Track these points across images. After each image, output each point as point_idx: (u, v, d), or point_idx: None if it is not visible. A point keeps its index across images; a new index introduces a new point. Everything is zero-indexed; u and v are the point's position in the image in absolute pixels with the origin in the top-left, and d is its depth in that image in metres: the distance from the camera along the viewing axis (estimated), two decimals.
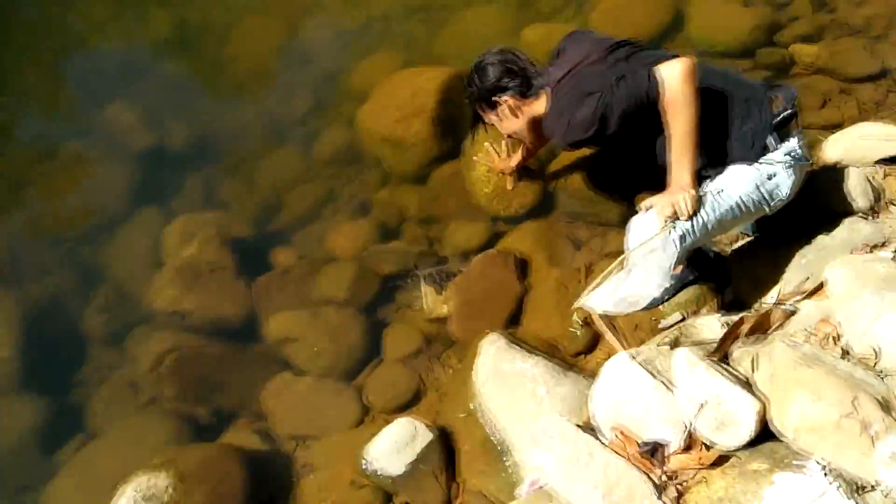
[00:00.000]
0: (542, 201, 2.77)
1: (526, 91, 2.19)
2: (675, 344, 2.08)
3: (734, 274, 2.35)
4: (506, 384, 2.05)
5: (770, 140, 1.99)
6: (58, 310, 2.78)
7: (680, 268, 2.28)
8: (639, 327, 2.36)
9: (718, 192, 2.00)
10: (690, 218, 1.96)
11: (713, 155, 2.02)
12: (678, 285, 2.30)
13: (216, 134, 3.40)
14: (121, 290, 2.80)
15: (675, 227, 1.97)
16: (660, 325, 2.31)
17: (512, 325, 2.46)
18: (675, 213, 1.96)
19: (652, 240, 2.00)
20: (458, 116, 2.95)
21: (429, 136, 2.93)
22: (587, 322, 2.36)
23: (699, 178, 2.00)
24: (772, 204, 2.05)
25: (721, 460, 1.62)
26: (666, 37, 3.30)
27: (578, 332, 2.31)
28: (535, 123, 2.27)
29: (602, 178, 2.69)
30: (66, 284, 2.87)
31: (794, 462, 1.55)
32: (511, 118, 2.25)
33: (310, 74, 3.65)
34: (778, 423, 1.59)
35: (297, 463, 2.21)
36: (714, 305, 2.32)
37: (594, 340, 2.34)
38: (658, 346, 1.93)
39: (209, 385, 2.38)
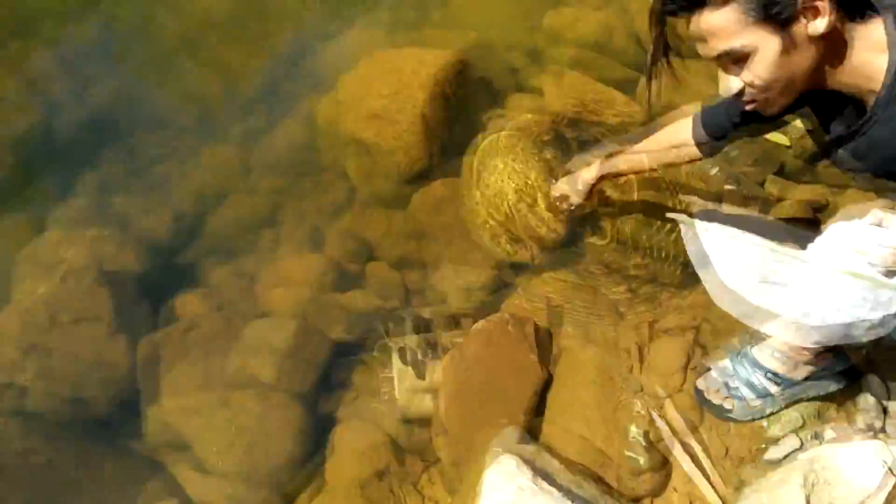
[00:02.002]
0: (569, 241, 1.96)
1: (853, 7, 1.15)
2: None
3: (880, 367, 1.56)
4: None
5: None
6: None
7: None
8: (729, 453, 1.56)
9: None
10: None
11: None
12: (806, 389, 1.50)
13: (127, 117, 2.53)
14: None
15: None
16: (765, 458, 1.50)
17: (528, 434, 1.62)
18: None
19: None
20: (455, 118, 2.22)
21: (416, 140, 2.12)
22: (649, 440, 1.54)
23: None
24: None
25: None
26: None
27: (641, 460, 1.49)
28: (813, 77, 1.21)
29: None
30: None
31: None
32: (800, 52, 1.14)
33: (264, 51, 2.79)
34: None
35: None
36: (844, 420, 1.53)
37: (663, 470, 1.52)
38: None
39: None
